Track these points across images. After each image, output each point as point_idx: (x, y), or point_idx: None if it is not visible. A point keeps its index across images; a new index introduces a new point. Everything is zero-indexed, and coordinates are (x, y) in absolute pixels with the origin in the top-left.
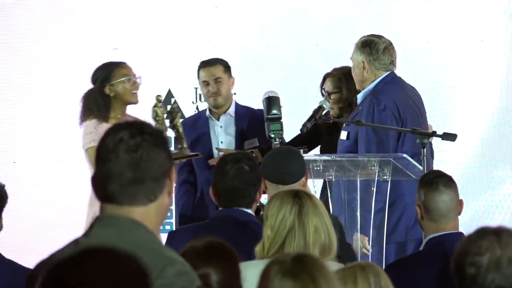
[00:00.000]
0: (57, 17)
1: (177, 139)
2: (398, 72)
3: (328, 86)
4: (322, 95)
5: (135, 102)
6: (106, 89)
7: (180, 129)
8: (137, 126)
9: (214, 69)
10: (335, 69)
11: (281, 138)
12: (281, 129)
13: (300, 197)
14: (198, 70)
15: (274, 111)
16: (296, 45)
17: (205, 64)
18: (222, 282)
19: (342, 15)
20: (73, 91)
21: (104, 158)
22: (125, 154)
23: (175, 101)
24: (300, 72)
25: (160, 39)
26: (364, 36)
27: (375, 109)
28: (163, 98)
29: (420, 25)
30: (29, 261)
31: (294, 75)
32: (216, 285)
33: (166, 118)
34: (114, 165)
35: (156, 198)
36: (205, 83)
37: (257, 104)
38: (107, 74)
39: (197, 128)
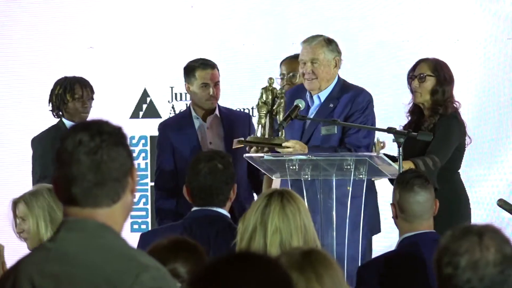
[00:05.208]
0: (32, 16)
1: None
2: (376, 71)
3: (424, 69)
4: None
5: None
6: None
7: (279, 117)
8: (96, 126)
9: (216, 72)
10: (427, 58)
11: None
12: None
13: (272, 197)
14: (194, 69)
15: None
16: (272, 44)
17: (206, 66)
18: (191, 273)
19: (319, 14)
20: (48, 90)
21: (64, 161)
22: (85, 157)
23: (282, 90)
24: (276, 71)
25: (136, 38)
26: (319, 35)
27: (370, 104)
28: (274, 81)
29: (396, 24)
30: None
31: (270, 74)
32: (186, 275)
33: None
34: (75, 169)
35: (119, 198)
36: (205, 85)
37: (232, 103)
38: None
39: (182, 129)
